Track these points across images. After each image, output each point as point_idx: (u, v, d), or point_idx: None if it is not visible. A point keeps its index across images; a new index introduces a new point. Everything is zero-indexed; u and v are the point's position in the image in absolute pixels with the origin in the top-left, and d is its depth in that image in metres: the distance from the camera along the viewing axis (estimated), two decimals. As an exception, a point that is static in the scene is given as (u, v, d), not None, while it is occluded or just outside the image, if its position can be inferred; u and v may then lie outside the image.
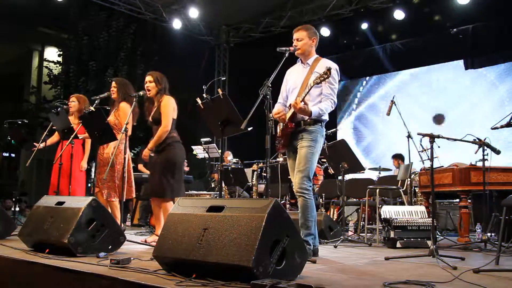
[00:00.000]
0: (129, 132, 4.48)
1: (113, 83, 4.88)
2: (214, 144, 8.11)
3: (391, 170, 7.72)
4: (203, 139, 7.92)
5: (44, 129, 5.47)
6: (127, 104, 4.72)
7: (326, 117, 3.72)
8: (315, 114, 3.54)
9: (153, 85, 4.48)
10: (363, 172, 6.07)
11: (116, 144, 4.46)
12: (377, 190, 5.34)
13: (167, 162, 4.34)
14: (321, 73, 3.41)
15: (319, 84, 3.48)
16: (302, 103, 3.42)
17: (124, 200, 4.51)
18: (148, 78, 4.51)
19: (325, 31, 9.87)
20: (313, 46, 3.77)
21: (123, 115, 4.70)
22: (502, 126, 3.77)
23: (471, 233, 5.04)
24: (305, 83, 3.62)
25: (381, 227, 4.84)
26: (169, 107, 4.41)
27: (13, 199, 9.73)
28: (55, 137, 5.57)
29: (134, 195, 4.94)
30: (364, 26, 9.60)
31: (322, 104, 3.58)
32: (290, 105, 3.67)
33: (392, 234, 4.52)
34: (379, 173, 7.32)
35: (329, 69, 3.38)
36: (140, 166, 7.43)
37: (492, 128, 3.95)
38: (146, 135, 4.81)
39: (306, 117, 3.59)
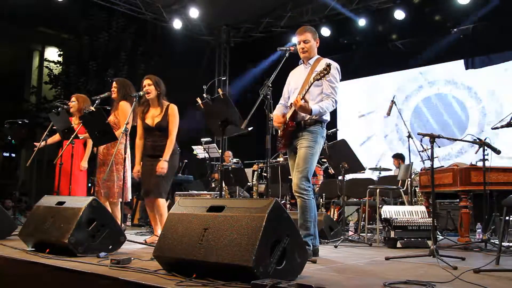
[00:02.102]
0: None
1: (114, 83, 4.88)
2: (214, 144, 8.11)
3: (391, 170, 7.72)
4: (203, 139, 7.92)
5: (44, 129, 5.47)
6: (127, 103, 4.72)
7: (327, 118, 3.71)
8: (315, 112, 3.53)
9: (153, 88, 4.50)
10: (363, 172, 6.07)
11: (117, 144, 4.48)
12: (378, 190, 5.34)
13: (170, 167, 4.41)
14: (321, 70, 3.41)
15: (319, 81, 3.47)
16: (303, 100, 3.42)
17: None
18: (147, 81, 4.52)
19: (325, 31, 9.86)
20: (316, 46, 3.79)
21: (122, 114, 4.71)
22: (502, 126, 3.77)
23: (472, 233, 5.04)
24: (306, 82, 3.62)
25: (382, 227, 4.84)
26: (177, 117, 4.49)
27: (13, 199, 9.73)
28: (56, 137, 5.57)
29: (129, 199, 4.96)
30: (364, 26, 9.59)
31: (323, 103, 3.58)
32: (291, 104, 3.67)
33: (392, 234, 4.52)
34: (379, 173, 7.32)
35: (328, 65, 3.38)
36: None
37: (492, 128, 3.96)
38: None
39: (307, 117, 3.59)
